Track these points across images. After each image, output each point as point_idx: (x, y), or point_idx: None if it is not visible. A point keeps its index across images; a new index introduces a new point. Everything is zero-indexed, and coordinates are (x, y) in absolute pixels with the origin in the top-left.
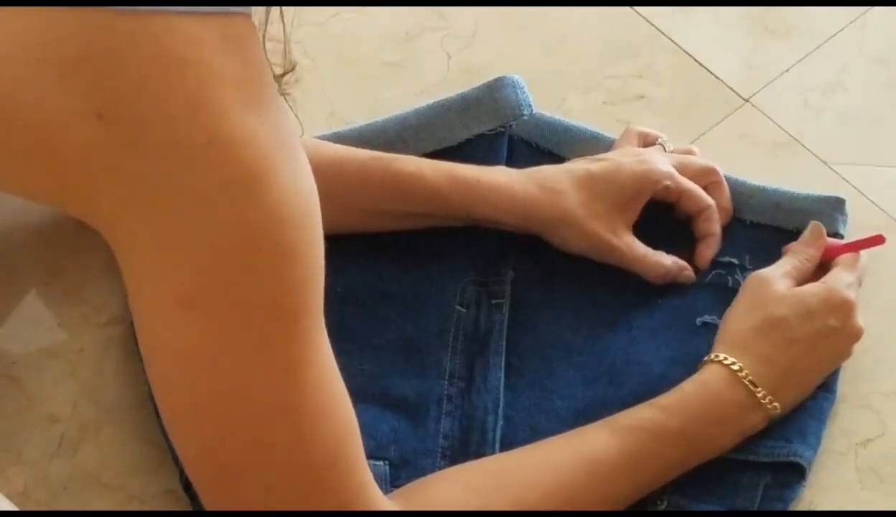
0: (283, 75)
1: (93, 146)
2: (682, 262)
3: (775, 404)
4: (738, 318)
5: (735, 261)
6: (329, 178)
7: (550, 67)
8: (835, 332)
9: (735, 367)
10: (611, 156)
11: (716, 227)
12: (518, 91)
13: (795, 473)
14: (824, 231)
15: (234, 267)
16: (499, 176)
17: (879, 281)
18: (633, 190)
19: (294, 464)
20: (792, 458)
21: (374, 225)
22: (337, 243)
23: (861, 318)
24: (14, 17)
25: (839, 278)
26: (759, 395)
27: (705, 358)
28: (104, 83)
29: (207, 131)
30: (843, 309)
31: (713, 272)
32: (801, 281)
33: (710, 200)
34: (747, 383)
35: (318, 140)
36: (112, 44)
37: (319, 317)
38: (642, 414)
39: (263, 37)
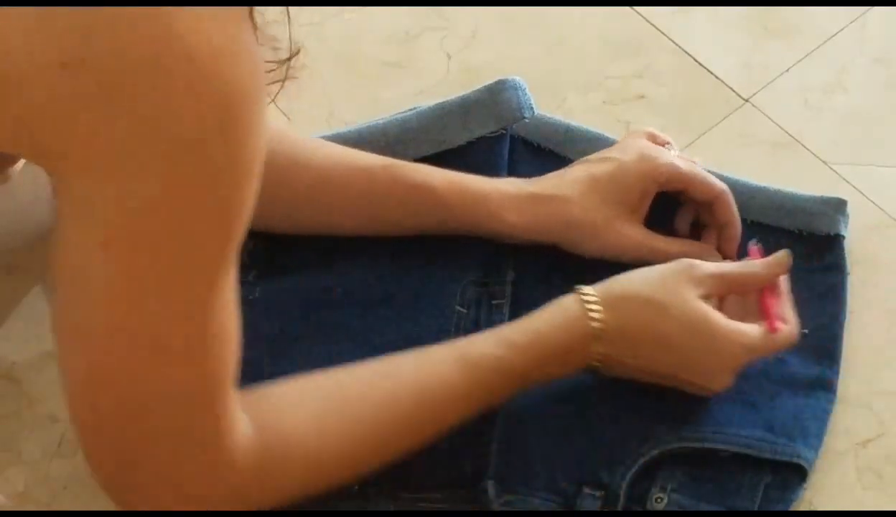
0: (289, 59)
1: (55, 93)
2: (705, 245)
3: (598, 363)
4: (640, 280)
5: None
6: (336, 182)
7: (550, 67)
8: (703, 368)
9: (595, 325)
10: (613, 154)
11: (733, 212)
12: (520, 93)
13: (796, 474)
14: (787, 268)
15: (169, 216)
16: (507, 188)
17: (879, 281)
18: (639, 189)
19: (178, 382)
20: (794, 459)
21: (376, 230)
22: (337, 243)
23: (861, 318)
24: None
25: (756, 337)
26: (596, 351)
27: (577, 287)
28: (70, 34)
29: (174, 79)
30: (734, 360)
31: None
32: (727, 288)
33: (722, 185)
34: (596, 333)
35: (326, 142)
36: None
37: (234, 262)
38: (493, 351)
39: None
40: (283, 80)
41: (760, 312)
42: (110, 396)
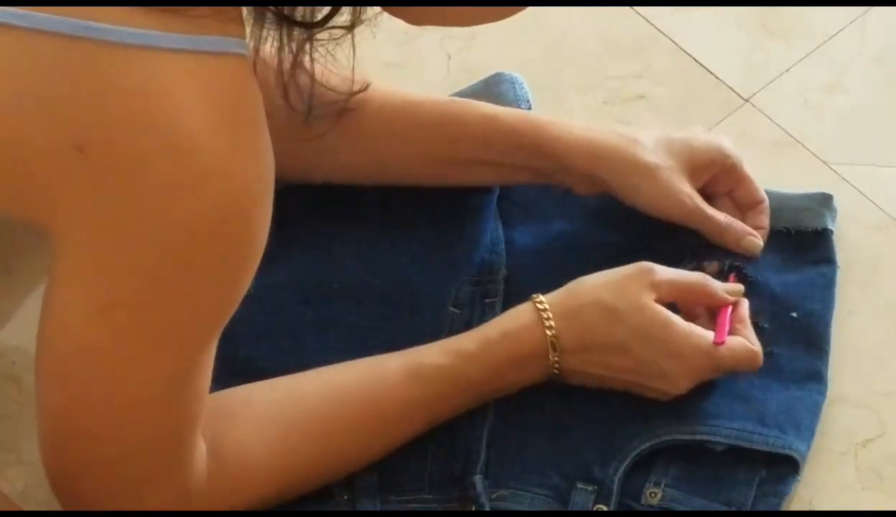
0: (356, 93)
1: (67, 174)
2: (747, 227)
3: (556, 372)
4: (595, 287)
5: (726, 262)
6: (402, 124)
7: (550, 67)
8: (661, 373)
9: (549, 333)
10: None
11: (767, 221)
12: (516, 86)
13: (789, 467)
14: (738, 296)
15: (170, 296)
16: (573, 121)
17: (879, 281)
18: (706, 158)
19: (150, 432)
20: (786, 451)
21: (435, 172)
22: (334, 237)
23: (861, 318)
24: (5, 41)
25: (718, 353)
26: (552, 360)
27: (534, 296)
28: (89, 119)
29: (184, 175)
30: (691, 363)
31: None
32: (680, 296)
33: (765, 196)
34: (549, 343)
35: (391, 88)
36: (102, 79)
37: (219, 333)
38: (442, 362)
39: (295, 58)
40: (343, 110)
41: (715, 326)
42: (85, 442)
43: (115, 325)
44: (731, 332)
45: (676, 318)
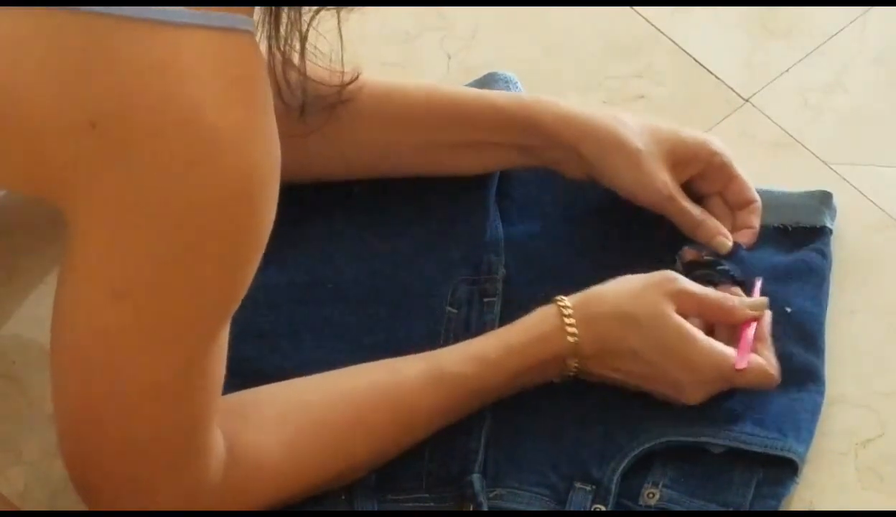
0: (347, 84)
1: (82, 152)
2: (721, 226)
3: (572, 375)
4: (616, 293)
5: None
6: (394, 110)
7: (550, 67)
8: (676, 383)
9: (571, 340)
10: None
11: (758, 221)
12: (510, 86)
13: (788, 469)
14: (762, 312)
15: (183, 276)
16: (556, 100)
17: (879, 281)
18: (691, 151)
19: (167, 420)
20: (785, 453)
21: (432, 159)
22: (330, 237)
23: (861, 318)
24: (20, 20)
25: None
26: (572, 365)
27: (556, 298)
28: (102, 94)
29: (197, 150)
30: (705, 376)
31: (697, 272)
32: (698, 310)
33: (757, 196)
34: (572, 350)
35: (381, 78)
36: (114, 54)
37: (230, 317)
38: (465, 370)
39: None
40: (337, 103)
41: (734, 340)
42: (100, 430)
43: (129, 307)
44: (751, 351)
45: (698, 333)
